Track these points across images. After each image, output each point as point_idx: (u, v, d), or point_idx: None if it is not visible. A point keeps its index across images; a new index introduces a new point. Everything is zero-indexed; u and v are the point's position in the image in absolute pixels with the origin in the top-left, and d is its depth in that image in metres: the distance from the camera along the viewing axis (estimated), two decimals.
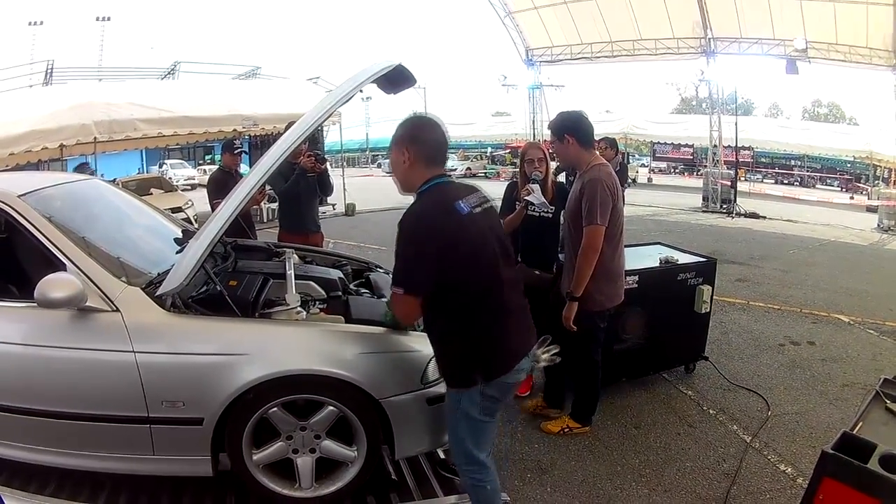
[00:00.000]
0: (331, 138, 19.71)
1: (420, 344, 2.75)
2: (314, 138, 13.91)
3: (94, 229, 3.24)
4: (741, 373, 4.76)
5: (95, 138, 10.74)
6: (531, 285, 4.00)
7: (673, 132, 33.56)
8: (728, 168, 18.85)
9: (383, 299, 3.37)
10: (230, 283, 2.95)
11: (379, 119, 41.07)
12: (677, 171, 35.25)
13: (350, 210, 16.10)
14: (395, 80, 3.20)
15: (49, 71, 14.78)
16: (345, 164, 21.48)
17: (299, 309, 2.88)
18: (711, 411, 4.13)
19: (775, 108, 59.44)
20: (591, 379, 3.73)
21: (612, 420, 3.97)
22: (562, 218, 3.76)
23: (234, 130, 12.53)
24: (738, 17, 17.01)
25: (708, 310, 4.55)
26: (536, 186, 3.86)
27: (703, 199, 18.52)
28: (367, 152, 45.88)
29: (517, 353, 2.40)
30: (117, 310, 2.61)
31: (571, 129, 3.44)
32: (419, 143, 2.29)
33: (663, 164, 36.11)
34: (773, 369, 4.91)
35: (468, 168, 34.95)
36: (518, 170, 4.21)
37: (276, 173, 4.82)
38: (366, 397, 2.65)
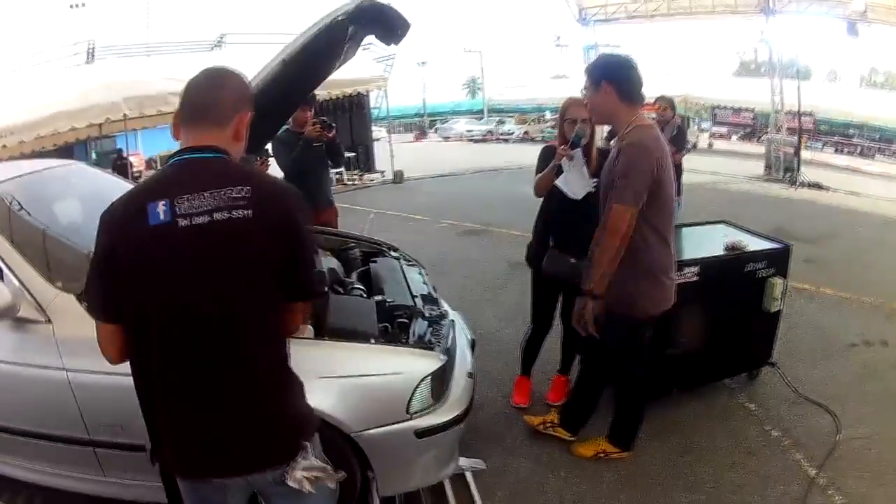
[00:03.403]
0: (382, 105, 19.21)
1: (407, 365, 2.16)
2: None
3: (49, 225, 2.77)
4: (809, 379, 4.03)
5: (125, 115, 10.19)
6: (564, 278, 3.29)
7: (732, 96, 31.82)
8: (790, 135, 17.45)
9: (375, 298, 2.78)
10: None
11: (433, 85, 41.03)
12: (739, 136, 33.50)
13: (398, 177, 15.58)
14: (388, 26, 2.78)
15: (91, 51, 14.13)
16: (397, 130, 20.99)
17: None
18: (774, 433, 3.46)
19: (833, 74, 56.93)
20: (632, 397, 3.07)
21: (657, 442, 3.31)
22: None
23: None
24: None
25: (780, 307, 3.80)
26: (578, 153, 3.12)
27: (766, 168, 17.18)
28: (425, 118, 46.19)
29: (197, 464, 1.56)
30: (50, 321, 2.30)
31: (612, 75, 2.63)
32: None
33: (724, 129, 34.33)
34: (844, 376, 4.18)
35: (525, 132, 33.61)
36: (556, 131, 3.46)
37: (279, 145, 4.35)
38: (334, 432, 2.09)
